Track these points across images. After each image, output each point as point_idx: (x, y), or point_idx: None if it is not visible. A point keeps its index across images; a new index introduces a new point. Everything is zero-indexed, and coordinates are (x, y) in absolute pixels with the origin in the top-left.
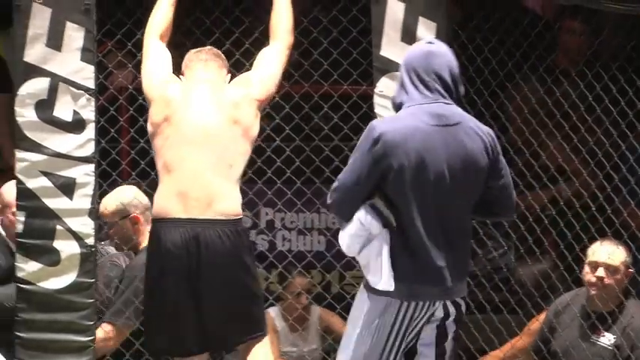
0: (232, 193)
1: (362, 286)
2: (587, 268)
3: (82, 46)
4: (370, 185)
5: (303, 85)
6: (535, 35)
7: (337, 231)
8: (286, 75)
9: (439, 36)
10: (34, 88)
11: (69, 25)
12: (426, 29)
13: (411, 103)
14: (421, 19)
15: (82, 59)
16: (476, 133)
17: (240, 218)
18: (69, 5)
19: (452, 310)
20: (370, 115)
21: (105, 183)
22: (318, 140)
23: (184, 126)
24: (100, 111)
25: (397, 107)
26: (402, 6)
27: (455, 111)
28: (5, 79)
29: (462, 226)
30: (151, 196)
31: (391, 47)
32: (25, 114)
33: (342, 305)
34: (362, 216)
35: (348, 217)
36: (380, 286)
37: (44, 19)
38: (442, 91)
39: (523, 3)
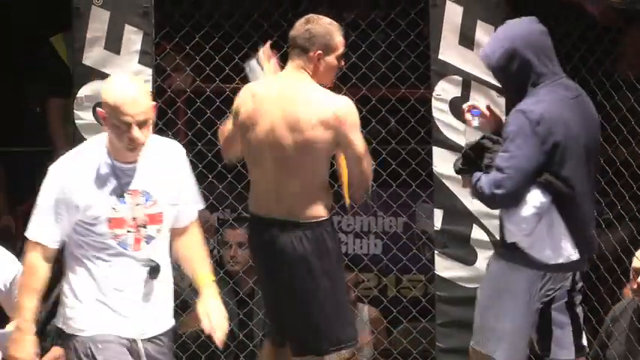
0: (312, 197)
1: (506, 264)
2: (632, 275)
3: (140, 49)
4: (539, 166)
5: (360, 88)
6: (594, 40)
7: (394, 234)
8: (343, 78)
9: None
10: (92, 90)
11: (127, 28)
12: (484, 33)
13: (547, 81)
14: (479, 23)
15: (140, 62)
16: (589, 99)
17: (322, 220)
18: (127, 8)
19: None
20: (428, 119)
21: None
22: (376, 143)
23: (258, 136)
24: (158, 114)
25: (520, 88)
26: (460, 9)
27: (574, 83)
28: (63, 83)
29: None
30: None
31: (449, 51)
32: (84, 116)
33: (399, 309)
34: (535, 195)
35: (519, 203)
36: (558, 259)
37: (103, 22)
38: (559, 66)
39: (582, 7)
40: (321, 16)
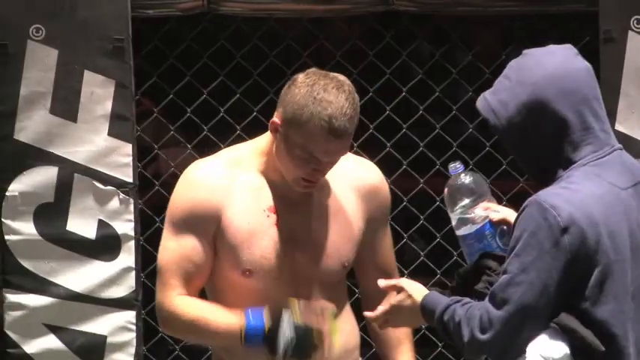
0: None
1: None
2: None
3: (111, 112)
4: (557, 299)
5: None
6: None
7: None
8: None
9: None
10: (32, 184)
11: (88, 76)
12: None
13: (589, 156)
14: None
15: (112, 133)
16: None
17: None
18: (87, 43)
19: None
20: None
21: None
22: None
23: None
24: (143, 219)
25: (547, 166)
26: None
27: (632, 158)
28: None
29: None
30: None
31: (634, 117)
32: (18, 228)
33: None
34: (542, 345)
35: (515, 356)
36: None
37: (47, 68)
38: (609, 126)
39: None
40: (332, 79)
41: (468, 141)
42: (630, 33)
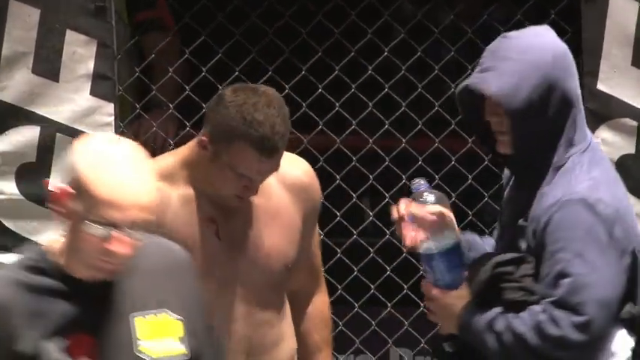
0: None
1: None
2: None
3: (93, 72)
4: (621, 293)
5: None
6: None
7: None
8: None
9: None
10: (13, 144)
11: (70, 35)
12: None
13: (585, 143)
14: None
15: (95, 93)
16: None
17: None
18: (69, 2)
19: None
20: None
21: None
22: None
23: None
24: None
25: (549, 149)
26: (634, 7)
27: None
28: None
29: None
30: None
31: (615, 77)
32: (2, 188)
33: None
34: (623, 341)
35: (599, 355)
36: None
37: (29, 28)
38: None
39: None
40: (260, 96)
41: (450, 101)
42: None
